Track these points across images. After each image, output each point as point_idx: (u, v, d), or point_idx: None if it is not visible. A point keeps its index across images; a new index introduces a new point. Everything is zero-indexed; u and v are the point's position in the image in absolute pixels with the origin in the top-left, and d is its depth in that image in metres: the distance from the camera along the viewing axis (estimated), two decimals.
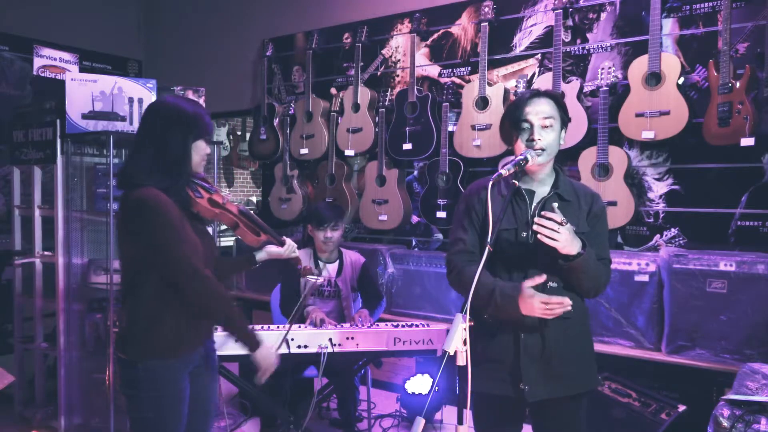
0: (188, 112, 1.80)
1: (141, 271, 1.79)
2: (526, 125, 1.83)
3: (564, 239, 1.66)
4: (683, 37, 3.14)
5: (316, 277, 2.44)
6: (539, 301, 1.69)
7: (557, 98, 1.88)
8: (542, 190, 1.89)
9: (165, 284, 1.77)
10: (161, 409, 1.80)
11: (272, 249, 2.14)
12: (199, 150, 1.82)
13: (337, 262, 3.22)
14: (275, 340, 2.58)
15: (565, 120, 1.89)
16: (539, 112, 1.82)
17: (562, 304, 1.70)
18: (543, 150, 1.81)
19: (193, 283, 1.74)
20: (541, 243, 1.72)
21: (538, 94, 1.86)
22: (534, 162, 1.81)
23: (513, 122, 1.85)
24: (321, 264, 3.18)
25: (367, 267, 3.28)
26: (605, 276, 1.88)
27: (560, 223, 1.66)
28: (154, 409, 1.79)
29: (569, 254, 1.70)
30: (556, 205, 1.72)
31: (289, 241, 2.17)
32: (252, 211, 2.13)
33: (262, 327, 2.74)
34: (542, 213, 1.68)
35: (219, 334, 2.31)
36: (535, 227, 1.67)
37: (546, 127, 1.82)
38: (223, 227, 3.64)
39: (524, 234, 1.83)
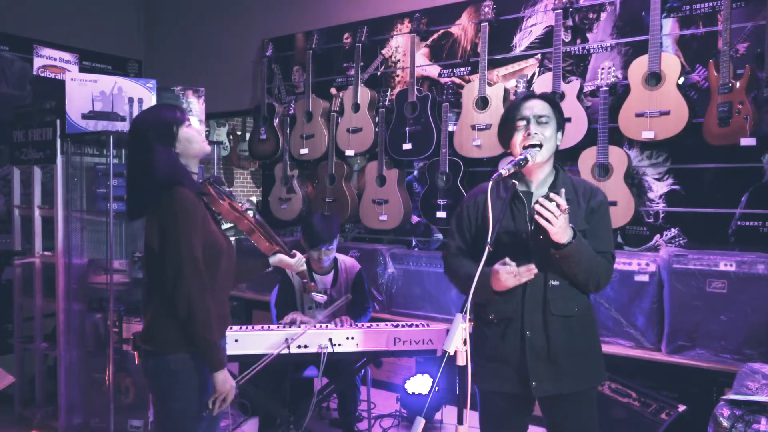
0: (148, 120, 1.88)
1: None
2: (522, 122, 1.84)
3: (559, 225, 1.67)
4: (683, 37, 3.14)
5: (321, 295, 2.60)
6: (506, 272, 1.73)
7: (552, 99, 1.90)
8: (541, 191, 1.89)
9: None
10: (188, 399, 1.85)
11: (284, 259, 2.26)
12: (188, 134, 1.89)
13: (332, 272, 3.18)
14: (275, 339, 2.58)
15: (561, 122, 1.90)
16: (534, 108, 1.85)
17: (530, 270, 1.74)
18: (540, 145, 1.81)
19: (189, 281, 1.78)
20: (540, 243, 1.76)
21: (533, 95, 1.89)
22: (534, 161, 1.81)
23: (509, 121, 1.87)
24: (315, 276, 3.14)
25: (361, 275, 3.21)
26: (605, 270, 1.85)
27: (562, 210, 1.67)
28: (180, 399, 1.84)
29: (560, 242, 1.72)
30: (563, 190, 1.72)
31: (298, 255, 2.30)
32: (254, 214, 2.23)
33: (263, 327, 2.74)
34: (550, 195, 1.68)
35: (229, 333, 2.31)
36: (536, 206, 1.68)
37: (541, 123, 1.83)
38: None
39: (524, 236, 1.84)
